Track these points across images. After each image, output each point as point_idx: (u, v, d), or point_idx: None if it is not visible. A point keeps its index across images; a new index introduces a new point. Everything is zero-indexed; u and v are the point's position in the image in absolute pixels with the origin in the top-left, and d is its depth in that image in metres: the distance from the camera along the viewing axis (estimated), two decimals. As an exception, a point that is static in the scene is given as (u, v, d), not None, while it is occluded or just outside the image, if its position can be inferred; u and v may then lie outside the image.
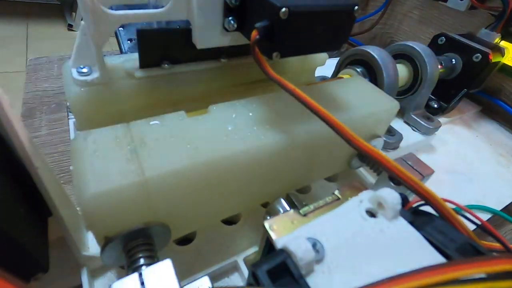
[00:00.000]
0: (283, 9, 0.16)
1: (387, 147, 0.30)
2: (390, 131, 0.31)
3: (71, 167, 0.16)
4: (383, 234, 0.16)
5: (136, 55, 0.23)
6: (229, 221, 0.24)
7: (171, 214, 0.17)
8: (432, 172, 0.23)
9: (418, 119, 0.34)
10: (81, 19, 0.19)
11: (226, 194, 0.19)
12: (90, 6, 0.17)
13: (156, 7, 0.21)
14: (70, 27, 2.01)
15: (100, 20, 0.18)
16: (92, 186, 0.14)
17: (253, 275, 0.13)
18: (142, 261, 0.16)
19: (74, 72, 0.20)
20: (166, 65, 0.22)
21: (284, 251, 0.14)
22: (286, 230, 0.16)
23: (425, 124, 0.34)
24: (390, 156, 0.28)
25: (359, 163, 0.26)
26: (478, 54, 0.37)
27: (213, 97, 0.26)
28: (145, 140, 0.17)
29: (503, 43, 0.41)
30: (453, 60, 0.39)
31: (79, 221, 0.20)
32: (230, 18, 0.20)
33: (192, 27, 0.21)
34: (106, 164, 0.15)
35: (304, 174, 0.23)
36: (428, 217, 0.17)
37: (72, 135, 0.27)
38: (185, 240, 0.22)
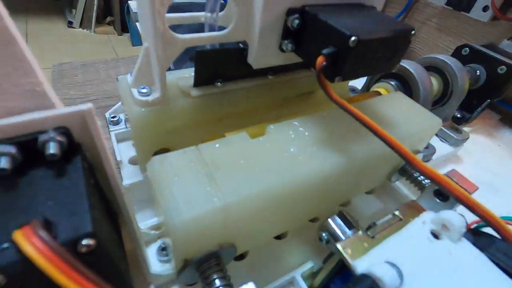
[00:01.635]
0: (353, 38, 0.17)
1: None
2: (423, 144, 0.32)
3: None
4: (451, 257, 0.16)
5: (186, 72, 0.23)
6: (277, 236, 0.24)
7: (239, 235, 0.18)
8: (476, 188, 0.24)
9: (447, 131, 0.35)
10: (144, 42, 0.19)
11: (286, 213, 0.20)
12: (161, 31, 0.17)
13: (212, 27, 0.21)
14: (70, 24, 1.99)
15: (168, 44, 0.18)
16: (185, 213, 0.14)
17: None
18: (218, 282, 0.16)
19: (135, 92, 0.20)
20: (219, 83, 0.23)
21: (368, 277, 0.14)
22: (359, 253, 0.16)
23: (454, 136, 0.34)
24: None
25: (398, 177, 0.27)
26: (503, 67, 0.38)
27: (258, 112, 0.26)
28: (217, 163, 0.17)
29: (525, 54, 0.42)
30: (478, 71, 0.39)
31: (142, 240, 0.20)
32: (288, 40, 0.20)
33: (249, 48, 0.21)
34: (189, 189, 0.15)
35: (352, 190, 0.24)
36: (489, 238, 0.18)
37: (116, 148, 0.27)
38: (238, 256, 0.23)
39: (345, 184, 0.22)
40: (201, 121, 0.24)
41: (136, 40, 1.70)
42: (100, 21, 1.99)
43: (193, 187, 0.15)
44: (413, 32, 0.20)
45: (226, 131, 0.24)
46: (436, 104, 0.36)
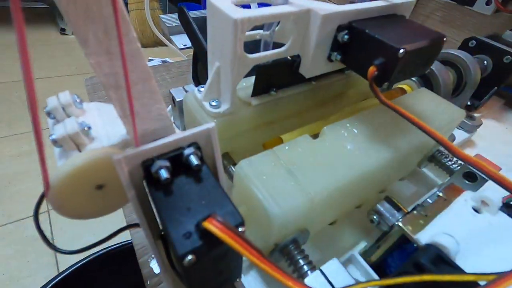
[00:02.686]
0: (401, 50, 0.20)
1: (442, 146, 0.35)
2: (444, 132, 0.35)
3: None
4: (492, 227, 0.20)
5: (241, 83, 0.26)
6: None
7: (313, 221, 0.21)
8: (500, 169, 0.28)
9: (463, 119, 0.38)
10: (215, 62, 0.22)
11: (346, 200, 0.23)
12: (239, 55, 0.20)
13: (268, 43, 0.24)
14: (62, 31, 1.98)
15: (243, 64, 0.21)
16: (281, 205, 0.17)
17: (416, 264, 0.17)
18: (301, 261, 0.20)
19: (207, 105, 0.23)
20: (273, 92, 0.26)
21: (433, 245, 0.17)
22: (418, 228, 0.20)
23: (469, 123, 0.38)
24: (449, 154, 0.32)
25: (426, 163, 0.31)
26: (509, 56, 0.41)
27: (301, 113, 0.30)
28: (292, 162, 0.20)
29: (526, 43, 0.45)
30: (485, 61, 0.43)
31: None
32: (337, 52, 0.23)
33: (302, 60, 0.24)
34: (278, 186, 0.19)
35: (394, 178, 0.27)
36: (520, 209, 0.22)
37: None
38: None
39: (389, 173, 0.25)
40: (257, 126, 0.27)
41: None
42: (93, 26, 1.99)
43: (280, 184, 0.19)
44: (444, 39, 0.23)
45: (277, 133, 0.27)
46: (451, 95, 0.39)
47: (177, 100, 0.30)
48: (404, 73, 0.22)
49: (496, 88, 0.44)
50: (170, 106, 0.35)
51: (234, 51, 0.20)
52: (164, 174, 0.14)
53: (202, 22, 0.29)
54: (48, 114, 0.16)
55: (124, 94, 0.14)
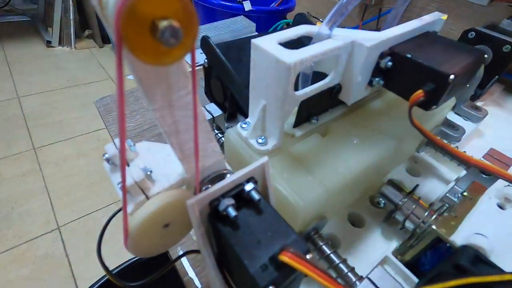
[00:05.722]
0: (452, 76, 0.20)
1: (453, 140, 0.36)
2: (454, 126, 0.37)
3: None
4: (518, 221, 0.21)
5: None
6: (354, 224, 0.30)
7: (328, 209, 0.23)
8: (512, 161, 0.29)
9: (469, 110, 0.40)
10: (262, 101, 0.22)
11: (356, 187, 0.25)
12: (290, 94, 0.20)
13: (307, 76, 0.23)
14: (48, 43, 1.94)
15: (291, 102, 0.21)
16: (303, 198, 0.20)
17: (456, 266, 0.18)
18: (326, 248, 0.22)
19: (254, 143, 0.23)
20: (314, 120, 0.26)
21: (469, 247, 0.19)
22: (451, 230, 0.21)
23: (476, 114, 0.40)
24: (460, 147, 0.34)
25: (423, 148, 0.33)
26: (508, 46, 0.43)
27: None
28: (306, 158, 0.22)
29: (522, 30, 0.47)
30: (485, 52, 0.44)
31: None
32: (379, 78, 0.24)
33: (343, 88, 0.24)
34: (297, 181, 0.21)
35: (396, 162, 0.30)
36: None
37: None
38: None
39: (392, 159, 0.28)
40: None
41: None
42: (79, 35, 1.95)
43: (300, 179, 0.21)
44: (486, 55, 0.24)
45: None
46: (457, 88, 0.41)
47: (202, 121, 0.31)
48: (450, 94, 0.22)
49: (497, 76, 0.45)
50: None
51: (285, 91, 0.19)
52: (232, 212, 0.15)
53: (225, 48, 0.29)
54: (107, 160, 0.17)
55: (183, 138, 0.15)
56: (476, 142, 0.40)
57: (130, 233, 0.14)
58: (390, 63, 0.22)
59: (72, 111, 1.40)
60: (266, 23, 0.98)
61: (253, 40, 0.20)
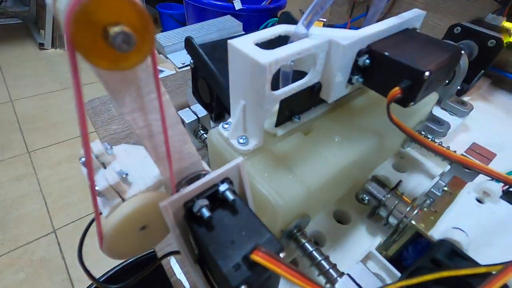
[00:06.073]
0: (427, 73, 0.20)
1: (438, 135, 0.37)
2: (439, 122, 0.37)
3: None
4: (495, 215, 0.22)
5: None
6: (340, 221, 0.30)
7: (311, 206, 0.23)
8: (495, 155, 0.30)
9: (455, 105, 0.40)
10: (242, 103, 0.22)
11: (340, 186, 0.26)
12: (268, 94, 0.20)
13: (287, 74, 0.23)
14: (41, 45, 1.92)
15: (270, 101, 0.20)
16: (283, 197, 0.20)
17: (433, 260, 0.19)
18: (308, 246, 0.22)
19: (235, 143, 0.23)
20: (296, 119, 0.26)
21: (447, 241, 0.19)
22: (430, 224, 0.21)
23: (461, 109, 0.40)
24: (445, 142, 0.35)
25: (409, 143, 0.33)
26: (493, 40, 0.43)
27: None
28: (288, 157, 0.22)
29: (507, 25, 0.47)
30: (471, 47, 0.45)
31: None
32: (358, 75, 0.24)
33: (323, 87, 0.24)
34: (278, 180, 0.21)
35: (380, 159, 0.30)
36: (519, 195, 0.24)
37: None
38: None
39: (376, 156, 0.28)
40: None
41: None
42: (72, 37, 1.94)
43: (280, 178, 0.21)
44: (462, 52, 0.24)
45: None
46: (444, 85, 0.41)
47: (187, 122, 0.31)
48: (427, 90, 0.22)
49: (483, 71, 0.46)
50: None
51: (263, 91, 0.19)
52: (206, 213, 0.15)
53: (209, 49, 0.29)
54: (84, 164, 0.17)
55: (156, 141, 0.16)
56: (462, 136, 0.40)
57: (105, 236, 0.15)
58: (368, 61, 0.22)
59: (66, 113, 1.39)
60: (257, 21, 0.98)
61: (229, 41, 0.20)
